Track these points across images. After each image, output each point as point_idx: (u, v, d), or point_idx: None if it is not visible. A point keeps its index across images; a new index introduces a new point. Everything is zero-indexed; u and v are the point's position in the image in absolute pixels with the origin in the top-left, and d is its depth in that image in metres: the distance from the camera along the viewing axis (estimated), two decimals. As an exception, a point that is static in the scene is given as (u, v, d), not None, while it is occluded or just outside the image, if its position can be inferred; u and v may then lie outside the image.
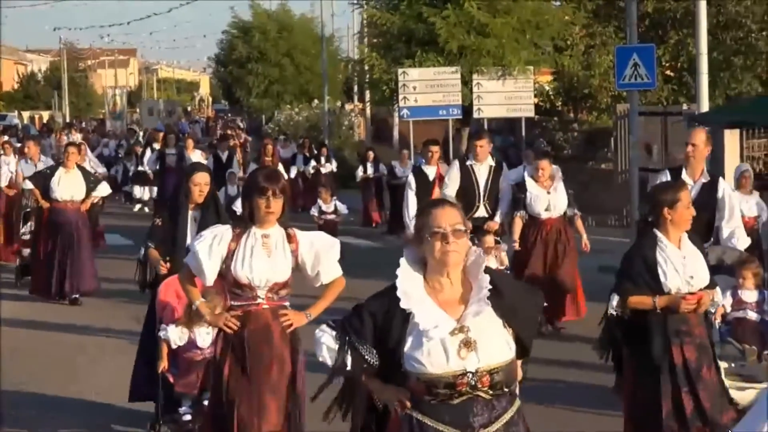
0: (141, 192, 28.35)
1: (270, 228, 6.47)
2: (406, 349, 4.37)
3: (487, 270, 4.46)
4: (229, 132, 45.53)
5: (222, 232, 6.48)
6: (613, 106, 26.35)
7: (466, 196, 12.33)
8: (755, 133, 19.12)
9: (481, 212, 12.57)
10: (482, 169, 12.64)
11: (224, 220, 8.30)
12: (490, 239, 11.74)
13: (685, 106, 22.38)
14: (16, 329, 12.52)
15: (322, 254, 6.48)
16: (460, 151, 26.81)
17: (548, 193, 12.26)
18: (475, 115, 25.79)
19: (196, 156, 23.63)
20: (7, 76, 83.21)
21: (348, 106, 45.90)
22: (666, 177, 9.49)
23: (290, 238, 6.50)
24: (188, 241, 8.11)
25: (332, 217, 18.33)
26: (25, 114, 66.21)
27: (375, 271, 9.44)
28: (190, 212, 8.47)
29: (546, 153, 14.10)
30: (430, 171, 13.94)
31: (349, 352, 4.46)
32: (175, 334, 7.86)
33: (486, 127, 27.37)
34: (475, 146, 12.75)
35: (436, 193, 13.21)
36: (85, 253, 14.65)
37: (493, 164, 12.75)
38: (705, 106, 18.55)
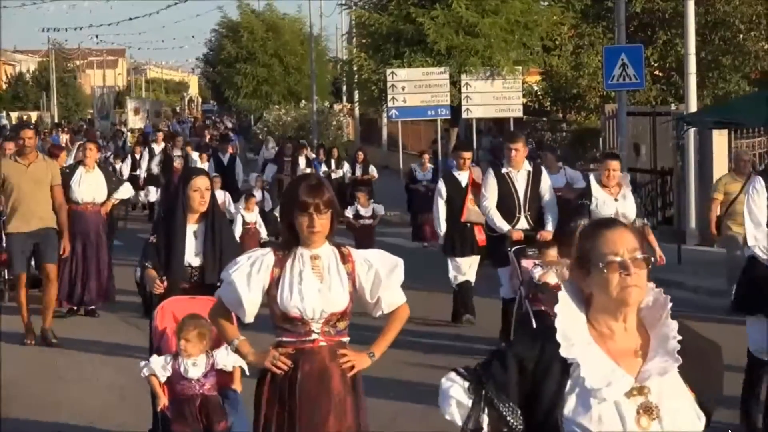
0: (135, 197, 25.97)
1: (319, 247, 5.30)
2: (566, 411, 3.36)
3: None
4: (216, 133, 45.52)
5: (261, 257, 5.30)
6: (602, 106, 26.33)
7: (505, 207, 11.34)
8: (744, 133, 19.11)
9: (522, 224, 11.36)
10: (520, 177, 11.43)
11: (231, 232, 7.67)
12: (553, 252, 10.60)
13: (673, 106, 22.36)
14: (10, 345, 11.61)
15: (383, 277, 5.34)
16: (448, 150, 26.82)
17: (616, 200, 10.89)
18: (464, 116, 25.77)
19: (195, 157, 23.20)
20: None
21: (336, 107, 45.88)
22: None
23: (345, 258, 5.35)
24: (189, 256, 7.45)
25: (370, 221, 17.45)
26: (14, 114, 66.02)
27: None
28: (189, 224, 7.49)
29: (616, 154, 12.41)
30: (463, 177, 12.54)
31: (485, 411, 3.43)
32: (157, 365, 6.86)
33: (474, 127, 27.41)
34: (511, 150, 11.45)
35: (469, 201, 12.31)
36: (105, 262, 13.31)
37: (531, 169, 11.55)
38: (693, 106, 18.55)
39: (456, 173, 12.66)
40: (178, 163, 22.81)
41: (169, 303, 7.12)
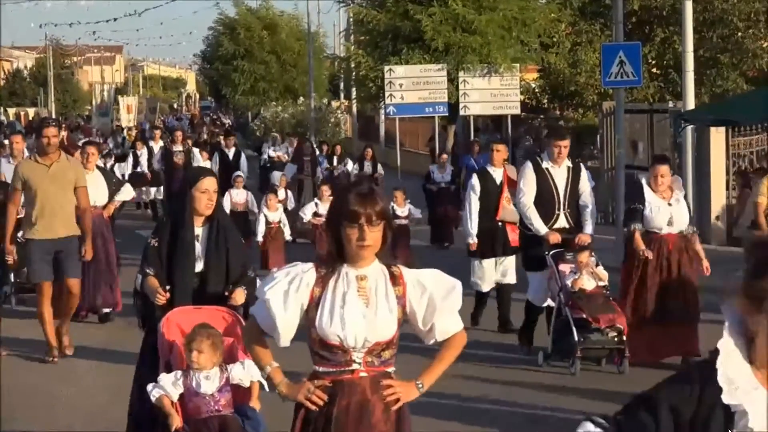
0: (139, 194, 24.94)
1: (367, 266, 4.64)
2: None
3: None
4: (215, 129, 45.54)
5: (301, 273, 4.64)
6: (599, 103, 26.31)
7: (544, 204, 10.71)
8: (741, 130, 19.11)
9: (562, 222, 10.75)
10: (560, 173, 10.80)
11: (238, 237, 7.21)
12: (585, 255, 10.29)
13: (671, 104, 22.35)
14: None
15: (437, 301, 4.66)
16: (446, 147, 26.84)
17: (669, 204, 10.37)
18: (462, 113, 25.78)
19: (196, 153, 22.94)
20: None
21: (334, 104, 45.85)
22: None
23: (395, 280, 4.68)
24: (198, 264, 6.84)
25: (405, 221, 16.78)
26: (11, 111, 65.97)
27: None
28: (195, 228, 6.89)
29: (665, 158, 11.83)
30: (497, 173, 11.94)
31: None
32: (167, 382, 6.23)
33: (472, 124, 27.40)
34: (558, 147, 10.75)
35: (505, 200, 11.79)
36: (114, 264, 12.91)
37: (571, 165, 10.95)
38: (691, 103, 18.53)
39: (490, 170, 12.04)
40: (179, 159, 22.19)
41: (174, 314, 6.54)
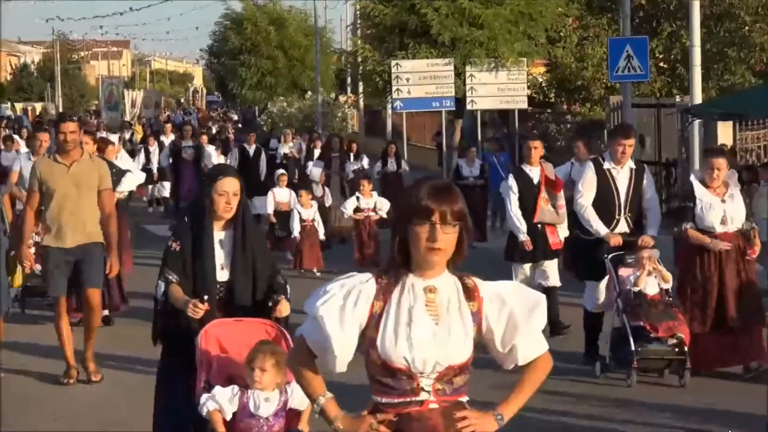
0: (151, 194, 24.80)
1: (437, 276, 3.95)
2: None
3: None
4: (225, 124, 45.58)
5: (359, 285, 3.96)
6: (606, 97, 26.31)
7: (604, 207, 10.05)
8: (748, 124, 19.08)
9: (622, 227, 10.07)
10: (622, 174, 10.12)
11: (263, 240, 6.74)
12: (646, 252, 9.70)
13: (678, 98, 22.34)
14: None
15: (519, 319, 4.01)
16: (453, 142, 26.84)
17: (723, 201, 9.67)
18: (469, 107, 25.78)
19: (209, 150, 22.27)
20: (0, 68, 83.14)
21: (341, 98, 45.86)
22: None
23: (469, 293, 3.99)
24: (222, 272, 6.30)
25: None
26: (18, 105, 66.05)
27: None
28: (215, 232, 6.33)
29: (722, 150, 11.17)
30: (534, 172, 11.29)
31: None
32: (224, 398, 5.71)
33: (479, 119, 27.38)
34: (621, 146, 10.05)
35: (542, 200, 11.23)
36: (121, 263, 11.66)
37: (634, 167, 10.25)
38: (698, 98, 18.48)
39: (527, 168, 11.39)
40: (188, 155, 21.48)
41: (213, 327, 6.00)
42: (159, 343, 6.54)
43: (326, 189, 18.50)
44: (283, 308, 6.21)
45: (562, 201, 11.39)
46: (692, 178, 10.02)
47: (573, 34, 28.33)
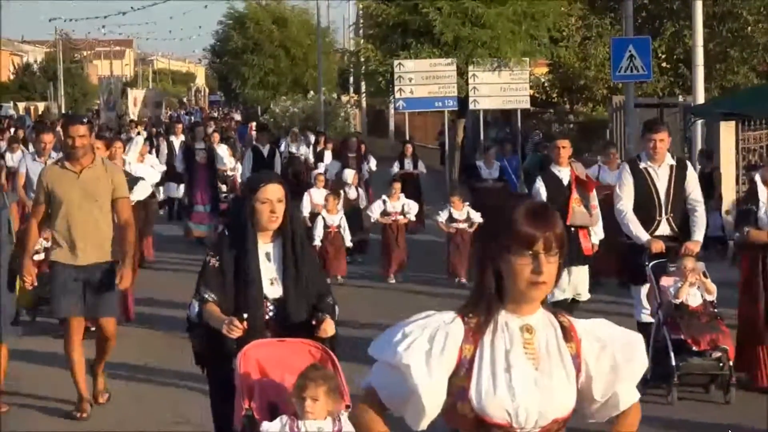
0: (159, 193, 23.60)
1: (533, 314, 3.32)
2: None
3: None
4: (225, 125, 45.56)
5: (444, 325, 3.29)
6: (609, 97, 26.30)
7: (642, 209, 9.53)
8: (751, 124, 19.07)
9: (663, 229, 9.52)
10: (661, 172, 9.58)
11: (314, 254, 6.26)
12: (691, 261, 9.15)
13: (681, 98, 22.34)
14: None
15: (621, 363, 3.40)
16: (455, 142, 26.84)
17: None
18: (471, 107, 25.79)
19: (221, 151, 21.51)
20: (2, 67, 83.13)
21: (344, 98, 45.87)
22: None
23: (566, 333, 3.37)
24: (273, 288, 5.79)
25: (464, 225, 15.09)
26: (21, 105, 66.06)
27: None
28: (261, 244, 5.81)
29: None
30: (563, 173, 10.76)
31: None
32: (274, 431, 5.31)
33: (482, 118, 27.37)
34: (651, 141, 9.55)
35: (574, 202, 10.66)
36: None
37: (675, 164, 9.67)
38: (701, 97, 18.52)
39: (555, 169, 10.85)
40: (201, 158, 20.32)
41: (252, 348, 5.52)
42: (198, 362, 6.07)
43: (359, 190, 17.56)
44: (328, 327, 5.71)
45: (595, 201, 10.92)
46: (757, 178, 9.38)
47: (576, 34, 28.32)
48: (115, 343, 8.85)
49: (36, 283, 8.73)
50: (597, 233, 10.86)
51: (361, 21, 32.72)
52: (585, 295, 10.76)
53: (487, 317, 3.28)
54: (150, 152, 22.58)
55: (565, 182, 10.76)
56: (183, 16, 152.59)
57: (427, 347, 3.23)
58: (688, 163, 10.12)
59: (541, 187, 10.71)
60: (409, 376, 3.21)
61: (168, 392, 9.28)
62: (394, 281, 15.11)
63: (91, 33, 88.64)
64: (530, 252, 3.20)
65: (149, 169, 16.10)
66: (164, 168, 19.01)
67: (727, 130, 18.82)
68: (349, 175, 18.03)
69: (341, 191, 16.68)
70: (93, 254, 8.42)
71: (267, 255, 5.78)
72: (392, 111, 36.97)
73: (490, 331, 3.28)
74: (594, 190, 11.00)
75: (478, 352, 3.27)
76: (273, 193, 5.72)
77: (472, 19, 24.94)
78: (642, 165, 9.62)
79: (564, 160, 10.82)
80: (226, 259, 5.75)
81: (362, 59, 27.67)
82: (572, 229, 10.50)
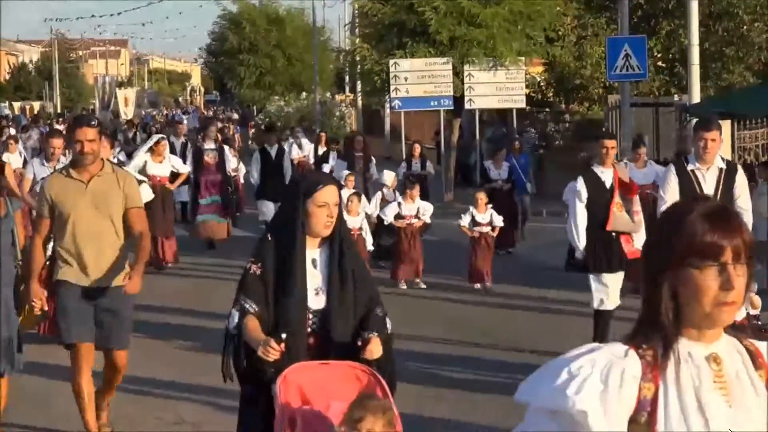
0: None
1: (718, 339, 2.73)
2: None
3: None
4: (223, 125, 45.49)
5: (617, 361, 2.65)
6: (605, 96, 26.34)
7: None
8: (747, 123, 19.07)
9: None
10: (709, 175, 9.06)
11: (363, 261, 5.85)
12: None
13: (676, 97, 22.34)
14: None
15: None
16: (451, 141, 26.83)
17: None
18: (467, 106, 25.78)
19: (225, 151, 20.42)
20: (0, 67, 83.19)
21: (339, 97, 45.86)
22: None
23: (754, 358, 2.77)
24: (317, 299, 5.28)
25: (487, 229, 14.68)
26: (16, 105, 66.03)
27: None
28: (307, 251, 5.29)
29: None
30: (606, 175, 10.11)
31: None
32: None
33: (477, 118, 27.36)
34: (703, 140, 8.93)
35: (615, 206, 10.04)
36: None
37: (724, 166, 9.18)
38: (696, 97, 18.50)
39: (598, 171, 10.14)
40: (210, 158, 19.47)
41: (293, 372, 4.99)
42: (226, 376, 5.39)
43: (397, 193, 16.26)
44: (374, 348, 5.13)
45: (637, 206, 10.27)
46: None
47: (571, 33, 28.34)
48: (122, 374, 7.95)
49: (46, 307, 7.73)
50: (639, 238, 10.06)
51: (357, 20, 32.69)
52: (616, 301, 10.17)
53: (666, 348, 2.67)
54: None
55: (608, 184, 10.11)
56: (179, 15, 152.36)
57: (601, 387, 2.61)
58: (739, 167, 9.61)
59: (582, 188, 10.05)
60: (585, 425, 2.59)
61: (168, 393, 9.31)
62: (405, 287, 14.35)
63: (87, 33, 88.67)
64: (717, 263, 2.62)
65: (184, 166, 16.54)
66: (189, 168, 18.47)
67: (723, 130, 18.81)
68: (390, 176, 17.08)
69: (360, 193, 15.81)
70: (105, 275, 7.49)
71: (313, 261, 5.28)
72: (388, 110, 36.93)
73: (672, 366, 2.68)
74: (637, 194, 10.38)
75: (661, 391, 2.66)
76: (331, 196, 5.23)
77: (467, 18, 24.93)
78: (690, 167, 9.11)
79: (609, 160, 10.17)
80: (269, 266, 5.21)
81: (358, 58, 27.67)
82: (613, 234, 10.02)
